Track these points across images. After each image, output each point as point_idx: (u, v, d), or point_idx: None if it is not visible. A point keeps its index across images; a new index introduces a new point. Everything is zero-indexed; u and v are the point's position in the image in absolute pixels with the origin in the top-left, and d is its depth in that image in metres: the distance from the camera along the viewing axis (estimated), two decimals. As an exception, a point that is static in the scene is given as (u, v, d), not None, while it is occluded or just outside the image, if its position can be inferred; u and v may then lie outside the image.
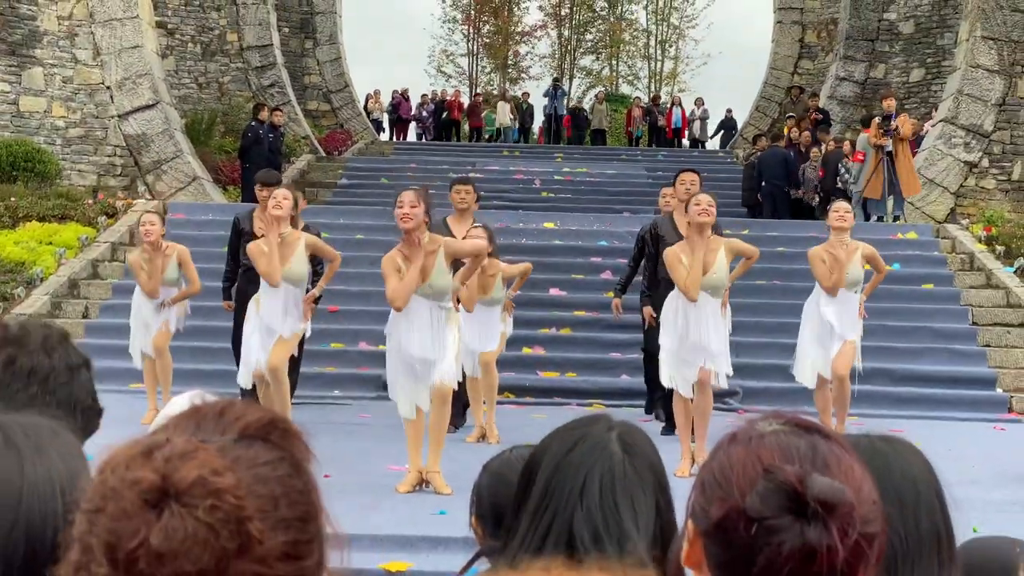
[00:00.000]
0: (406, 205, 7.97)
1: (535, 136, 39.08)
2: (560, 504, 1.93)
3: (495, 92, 48.47)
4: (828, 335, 10.05)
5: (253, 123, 21.69)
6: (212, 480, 1.08)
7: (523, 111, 38.05)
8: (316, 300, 10.35)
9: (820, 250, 10.16)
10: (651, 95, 40.30)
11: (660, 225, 11.15)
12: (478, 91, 47.36)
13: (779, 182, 20.83)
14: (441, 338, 7.97)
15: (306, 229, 10.49)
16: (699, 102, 36.57)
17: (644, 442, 2.06)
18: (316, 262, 10.49)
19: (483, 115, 37.47)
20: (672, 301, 9.17)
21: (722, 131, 35.46)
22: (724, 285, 9.30)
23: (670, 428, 10.28)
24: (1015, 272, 16.64)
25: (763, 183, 20.86)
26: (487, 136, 36.91)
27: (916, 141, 21.22)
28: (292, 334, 9.50)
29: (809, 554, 1.35)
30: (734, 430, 1.47)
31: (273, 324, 9.38)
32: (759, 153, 21.81)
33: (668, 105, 36.62)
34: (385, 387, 8.48)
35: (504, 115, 36.56)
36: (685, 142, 35.64)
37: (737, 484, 1.40)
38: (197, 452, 1.10)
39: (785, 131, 23.34)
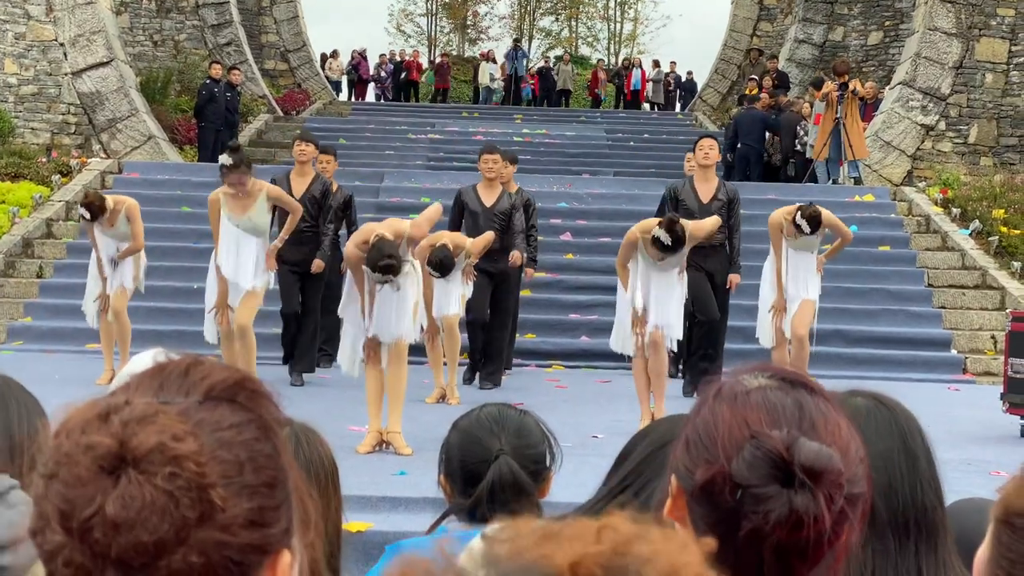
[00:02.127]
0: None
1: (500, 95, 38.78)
2: (645, 480, 1.95)
3: (455, 53, 48.22)
4: (791, 296, 10.11)
5: (207, 81, 21.49)
6: (172, 446, 1.03)
7: (476, 71, 37.79)
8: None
9: (781, 217, 10.17)
10: (624, 60, 40.18)
11: (680, 188, 11.29)
12: (442, 52, 47.04)
13: (755, 144, 20.86)
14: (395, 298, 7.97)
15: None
16: (655, 64, 36.53)
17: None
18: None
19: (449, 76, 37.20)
20: (643, 271, 9.12)
21: (682, 92, 35.43)
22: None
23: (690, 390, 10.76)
24: (970, 235, 16.78)
25: (738, 144, 20.86)
26: (482, 99, 36.62)
27: (874, 104, 21.31)
28: (257, 287, 9.42)
29: (796, 522, 1.34)
30: (719, 384, 1.45)
31: (238, 278, 9.32)
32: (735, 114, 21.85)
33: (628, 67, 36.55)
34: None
35: (485, 76, 36.31)
36: (645, 106, 35.57)
37: (723, 447, 1.38)
38: (157, 416, 1.05)
39: (747, 92, 23.36)
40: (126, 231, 10.79)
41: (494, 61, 37.72)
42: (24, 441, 1.48)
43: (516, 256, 11.22)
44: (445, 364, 10.51)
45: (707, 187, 11.10)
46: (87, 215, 10.68)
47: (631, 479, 2.01)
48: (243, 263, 9.36)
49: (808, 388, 1.44)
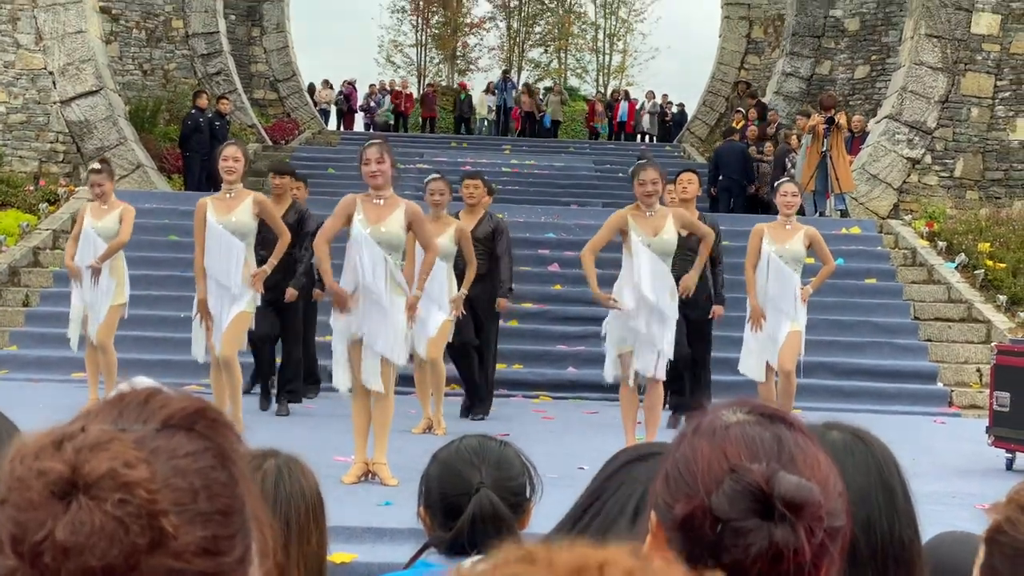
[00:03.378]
0: (372, 162, 7.96)
1: (484, 127, 38.79)
2: (610, 510, 1.95)
3: (443, 83, 48.39)
4: (774, 325, 10.08)
5: (193, 111, 21.57)
6: (123, 472, 1.03)
7: (461, 103, 37.85)
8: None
9: (763, 226, 10.30)
10: (612, 92, 40.39)
11: None
12: (429, 82, 47.23)
13: (736, 177, 20.97)
14: (393, 286, 7.99)
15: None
16: (649, 95, 36.69)
17: None
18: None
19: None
20: (632, 292, 9.04)
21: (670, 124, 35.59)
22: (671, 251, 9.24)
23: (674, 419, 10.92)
24: (956, 268, 16.85)
25: (720, 177, 20.98)
26: (478, 130, 36.71)
27: (860, 138, 21.43)
28: (240, 312, 9.33)
29: (776, 555, 1.34)
30: (698, 419, 1.46)
31: (223, 277, 9.27)
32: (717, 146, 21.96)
33: (616, 99, 36.72)
34: (331, 378, 8.42)
35: (483, 107, 36.44)
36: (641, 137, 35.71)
37: (703, 481, 1.38)
38: (111, 443, 1.05)
39: (734, 125, 23.49)
40: (113, 228, 10.75)
41: (493, 93, 37.83)
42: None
43: (503, 304, 11.30)
44: (432, 394, 10.51)
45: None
46: (98, 166, 10.92)
47: (589, 501, 2.02)
48: (227, 262, 9.34)
49: (787, 423, 1.45)
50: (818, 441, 1.45)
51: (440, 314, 10.48)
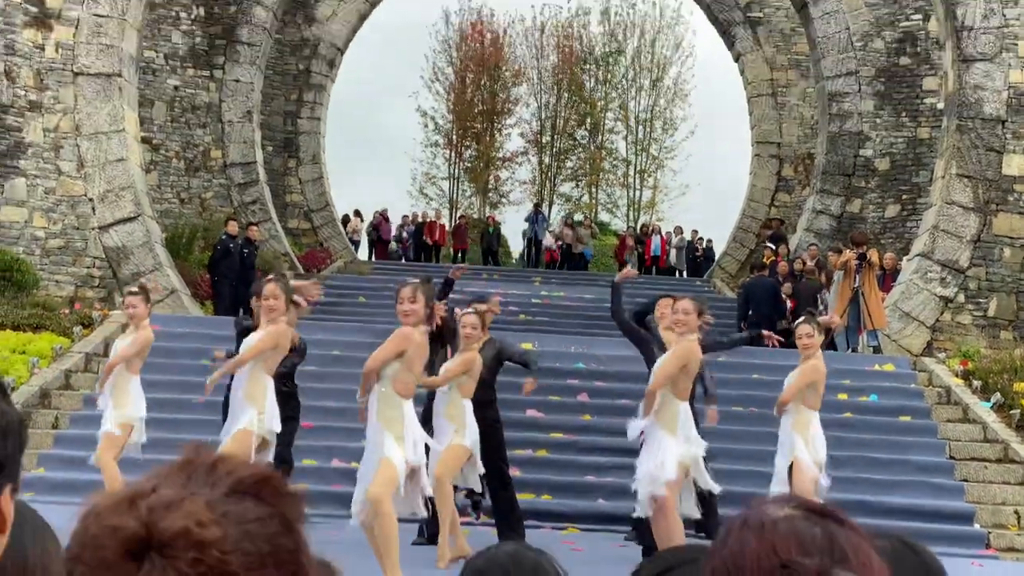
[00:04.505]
0: (405, 301, 8.10)
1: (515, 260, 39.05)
2: None
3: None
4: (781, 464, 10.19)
5: (224, 236, 21.90)
6: (197, 532, 1.04)
7: (489, 235, 38.20)
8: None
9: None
10: (642, 227, 40.87)
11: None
12: (461, 213, 47.79)
13: (766, 312, 20.96)
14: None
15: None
16: (678, 230, 36.97)
17: None
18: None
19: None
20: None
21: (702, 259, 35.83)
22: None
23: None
24: (992, 407, 16.66)
25: (750, 312, 20.99)
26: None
27: (892, 275, 21.44)
28: (240, 429, 9.43)
29: None
30: (745, 514, 1.42)
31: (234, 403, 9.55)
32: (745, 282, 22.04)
33: (648, 233, 37.06)
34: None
35: (548, 238, 36.90)
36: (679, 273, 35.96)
37: None
38: (184, 503, 1.06)
39: (764, 260, 23.58)
40: (129, 349, 11.01)
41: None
42: (36, 561, 1.48)
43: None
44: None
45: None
46: (135, 288, 11.38)
47: None
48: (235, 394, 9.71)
49: (837, 519, 1.41)
50: (871, 540, 1.41)
51: (456, 437, 10.33)
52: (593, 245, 38.30)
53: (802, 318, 10.96)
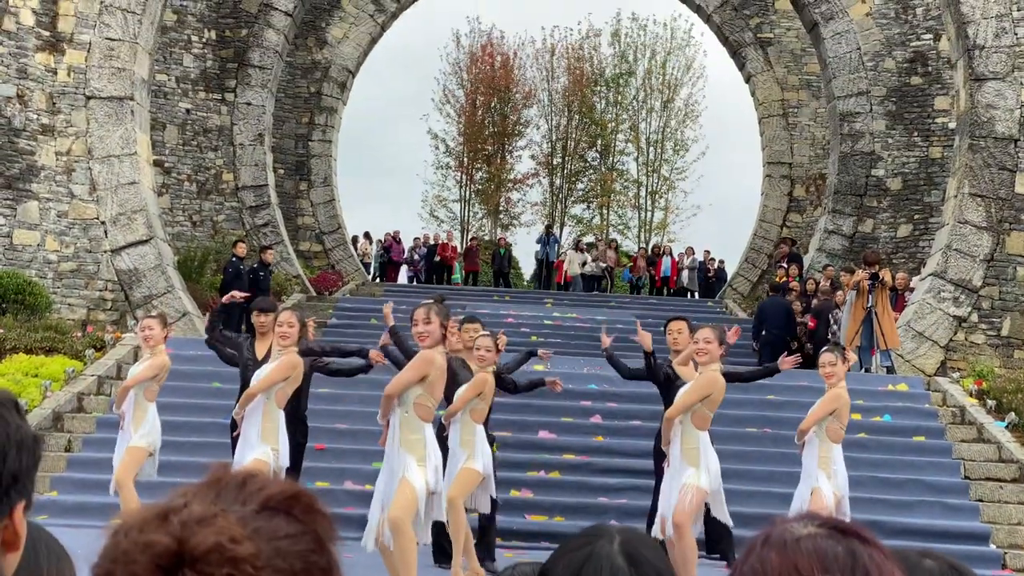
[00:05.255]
0: (419, 323, 8.12)
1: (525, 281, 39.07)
2: None
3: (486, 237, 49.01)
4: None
5: (233, 259, 21.93)
6: (230, 548, 1.03)
7: (500, 257, 38.14)
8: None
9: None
10: (653, 248, 40.89)
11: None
12: (472, 236, 47.83)
13: (779, 331, 20.94)
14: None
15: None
16: (689, 251, 36.93)
17: (649, 551, 2.00)
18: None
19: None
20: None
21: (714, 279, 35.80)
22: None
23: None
24: (1007, 427, 16.56)
25: (763, 331, 20.99)
26: (572, 288, 36.75)
27: (905, 294, 21.36)
28: (256, 459, 9.48)
29: None
30: (767, 531, 1.40)
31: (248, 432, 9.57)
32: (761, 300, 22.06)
33: (659, 254, 37.07)
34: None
35: (574, 265, 36.38)
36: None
37: None
38: (216, 518, 1.05)
39: (777, 280, 23.54)
40: (145, 374, 10.99)
41: (583, 251, 37.77)
42: None
43: (558, 384, 11.67)
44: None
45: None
46: (153, 313, 11.33)
47: None
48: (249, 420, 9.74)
49: (860, 538, 1.39)
50: (894, 558, 1.39)
51: (469, 461, 10.27)
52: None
53: (825, 347, 10.88)
